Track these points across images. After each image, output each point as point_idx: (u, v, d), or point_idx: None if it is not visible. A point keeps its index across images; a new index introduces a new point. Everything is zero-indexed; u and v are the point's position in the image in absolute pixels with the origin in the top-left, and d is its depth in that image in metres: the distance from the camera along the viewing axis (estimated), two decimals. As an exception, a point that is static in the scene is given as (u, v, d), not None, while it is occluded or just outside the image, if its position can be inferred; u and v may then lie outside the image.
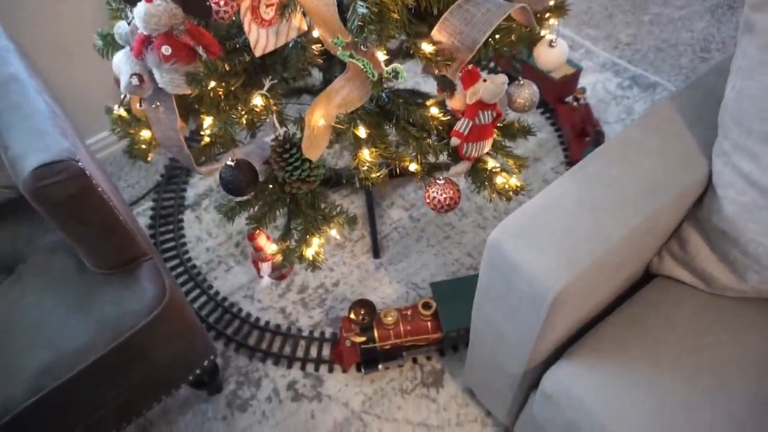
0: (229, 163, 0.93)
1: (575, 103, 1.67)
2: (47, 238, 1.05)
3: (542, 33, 1.03)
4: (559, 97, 1.70)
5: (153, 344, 0.96)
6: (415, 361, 1.34)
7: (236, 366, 1.37)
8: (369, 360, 1.28)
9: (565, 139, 1.69)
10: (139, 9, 0.77)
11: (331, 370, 1.34)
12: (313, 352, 1.37)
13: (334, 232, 1.12)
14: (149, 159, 1.17)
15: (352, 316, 1.22)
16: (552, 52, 1.02)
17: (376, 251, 1.53)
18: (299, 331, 1.41)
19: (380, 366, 1.29)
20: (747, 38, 0.72)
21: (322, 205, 1.08)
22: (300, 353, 1.37)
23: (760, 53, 0.70)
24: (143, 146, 1.14)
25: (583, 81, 1.86)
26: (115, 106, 1.18)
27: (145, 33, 0.80)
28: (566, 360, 0.82)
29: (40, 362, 0.88)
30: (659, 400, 0.75)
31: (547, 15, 1.01)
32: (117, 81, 1.11)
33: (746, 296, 0.83)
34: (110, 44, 1.07)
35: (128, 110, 1.19)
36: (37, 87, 0.99)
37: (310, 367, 1.35)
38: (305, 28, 0.91)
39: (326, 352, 1.37)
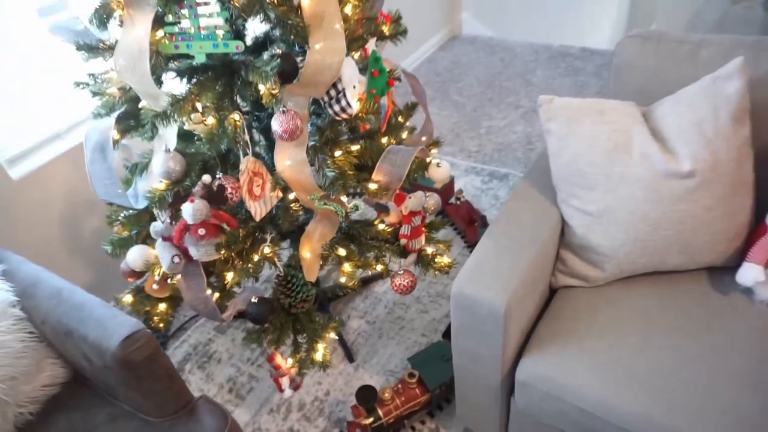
0: (253, 300, 1.26)
1: (458, 202, 2.22)
2: (101, 414, 1.25)
3: (428, 159, 1.54)
4: (445, 200, 2.24)
5: (225, 462, 1.18)
6: (413, 429, 1.63)
7: (267, 490, 1.55)
8: (380, 436, 1.55)
9: (460, 229, 2.21)
10: (188, 207, 1.13)
11: (349, 462, 1.58)
12: (330, 453, 1.60)
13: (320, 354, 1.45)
14: (162, 328, 1.44)
15: (358, 402, 1.51)
16: (440, 169, 1.53)
17: (350, 357, 1.84)
18: (311, 441, 1.64)
19: (390, 440, 1.56)
20: (548, 136, 1.26)
21: (317, 318, 1.41)
22: (319, 458, 1.59)
23: (559, 143, 1.24)
24: (158, 318, 1.41)
25: (457, 185, 2.45)
26: (125, 295, 1.46)
27: (189, 222, 1.15)
28: (526, 357, 1.21)
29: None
30: (595, 354, 1.16)
31: (430, 148, 1.53)
32: (125, 272, 1.42)
33: (608, 280, 1.30)
34: (119, 246, 1.39)
35: (136, 293, 1.47)
36: (78, 289, 1.26)
37: (331, 467, 1.58)
38: (280, 195, 1.32)
39: (340, 449, 1.61)
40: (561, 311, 1.28)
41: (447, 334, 1.81)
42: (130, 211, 1.45)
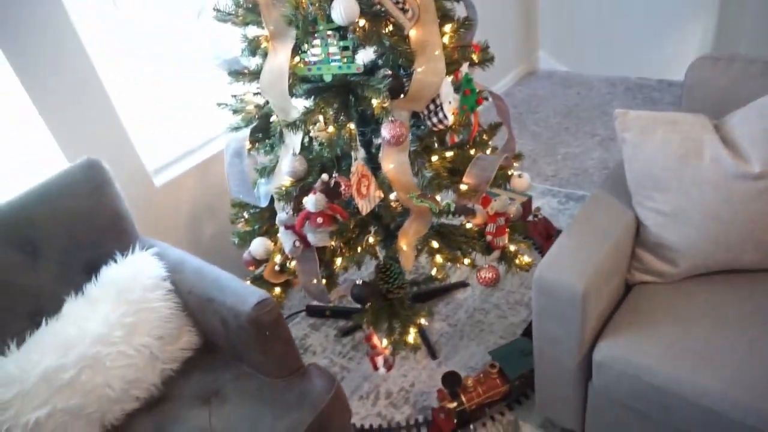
0: (357, 283, 1.47)
1: (535, 219, 2.36)
2: (228, 374, 1.48)
3: (510, 172, 1.72)
4: (524, 218, 2.39)
5: (331, 418, 1.37)
6: (492, 419, 1.75)
7: (358, 465, 1.71)
8: (462, 422, 1.69)
9: (538, 244, 2.34)
10: (311, 198, 1.37)
11: (433, 445, 1.72)
12: (415, 436, 1.75)
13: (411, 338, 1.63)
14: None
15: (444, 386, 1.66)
16: (521, 180, 1.71)
17: (433, 354, 2.00)
18: (398, 425, 1.80)
19: (472, 426, 1.70)
20: (623, 144, 1.41)
21: (407, 307, 1.60)
22: (405, 440, 1.75)
23: (633, 150, 1.39)
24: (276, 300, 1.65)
25: (534, 204, 2.59)
26: (246, 281, 1.72)
27: (311, 211, 1.39)
28: (602, 341, 1.33)
29: (267, 442, 1.27)
30: (669, 338, 1.26)
31: (513, 160, 1.71)
32: (247, 262, 1.68)
33: (683, 276, 1.41)
34: (244, 239, 1.65)
35: (254, 280, 1.72)
36: (216, 267, 1.52)
37: (416, 448, 1.72)
38: (382, 195, 1.54)
39: (425, 433, 1.76)
40: (636, 303, 1.40)
41: (527, 333, 1.93)
42: (254, 210, 1.72)
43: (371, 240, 1.45)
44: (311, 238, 1.43)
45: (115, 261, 1.52)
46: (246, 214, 1.74)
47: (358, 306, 2.23)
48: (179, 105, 2.09)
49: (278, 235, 1.52)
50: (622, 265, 1.43)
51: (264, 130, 1.61)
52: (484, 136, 1.75)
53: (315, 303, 2.27)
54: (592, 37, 3.63)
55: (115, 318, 1.42)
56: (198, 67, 1.99)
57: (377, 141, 1.54)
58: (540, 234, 2.31)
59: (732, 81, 1.49)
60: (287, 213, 1.47)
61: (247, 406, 1.37)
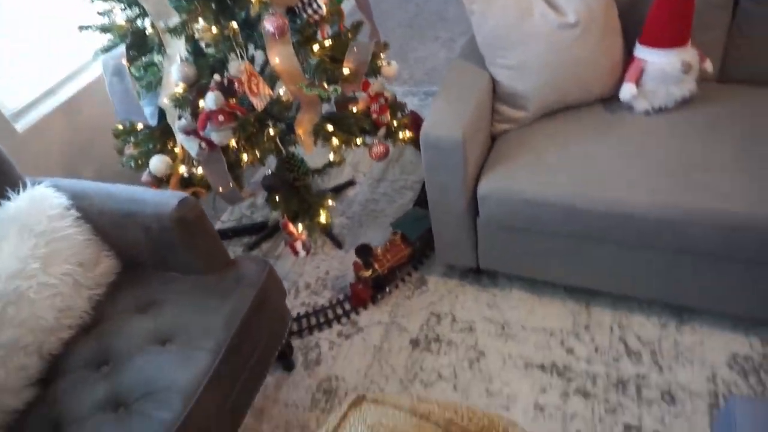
0: (267, 174, 1.58)
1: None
2: (157, 282, 1.53)
3: (379, 62, 1.91)
4: (392, 115, 2.61)
5: (269, 295, 1.51)
6: (403, 280, 2.02)
7: (295, 346, 1.89)
8: (378, 286, 1.93)
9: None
10: (210, 95, 1.43)
11: (357, 313, 1.95)
12: (340, 311, 1.96)
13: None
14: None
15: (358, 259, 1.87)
16: (390, 67, 1.90)
17: (339, 245, 2.20)
18: (323, 306, 1.99)
19: (387, 288, 1.94)
20: (472, 16, 1.66)
21: (314, 192, 1.76)
22: (331, 316, 1.95)
23: (481, 19, 1.64)
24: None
25: (398, 105, 2.83)
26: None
27: (211, 108, 1.45)
28: (482, 180, 1.62)
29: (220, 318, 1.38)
30: (530, 163, 1.57)
31: (381, 49, 1.90)
32: (148, 182, 1.71)
33: (532, 119, 1.73)
34: (139, 159, 1.66)
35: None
36: (124, 185, 1.54)
37: (344, 320, 1.93)
38: (272, 93, 1.64)
39: (347, 307, 1.97)
40: (501, 148, 1.70)
41: (417, 202, 2.20)
42: (143, 131, 1.72)
43: (272, 132, 1.56)
44: (215, 137, 1.51)
45: (8, 199, 1.47)
46: (133, 138, 1.74)
47: (260, 221, 2.33)
48: (31, 37, 1.94)
49: (179, 143, 1.56)
50: (486, 118, 1.72)
51: (139, 47, 1.60)
52: (349, 35, 1.90)
53: (218, 227, 2.32)
54: (419, -51, 3.86)
55: (26, 252, 1.40)
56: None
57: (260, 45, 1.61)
58: (412, 125, 2.55)
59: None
60: (185, 119, 1.52)
61: (187, 302, 1.45)
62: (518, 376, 1.68)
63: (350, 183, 2.45)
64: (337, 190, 2.41)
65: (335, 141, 1.67)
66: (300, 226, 1.74)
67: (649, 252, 1.53)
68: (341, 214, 2.33)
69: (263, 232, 2.27)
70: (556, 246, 1.64)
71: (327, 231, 1.78)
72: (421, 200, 2.16)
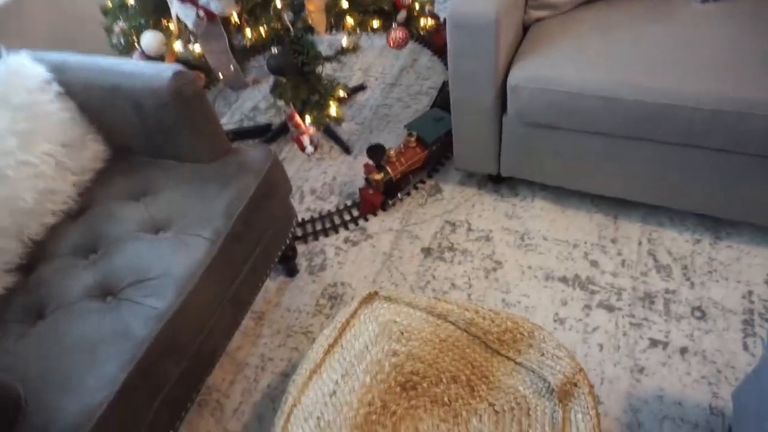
0: (273, 52, 1.41)
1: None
2: (155, 170, 1.39)
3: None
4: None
5: (274, 185, 1.37)
6: (416, 188, 1.88)
7: (299, 252, 1.77)
8: (389, 192, 1.79)
9: (427, 38, 2.39)
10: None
11: (366, 220, 1.82)
12: (347, 217, 1.83)
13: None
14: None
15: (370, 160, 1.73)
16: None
17: (347, 150, 2.04)
18: (329, 212, 1.86)
19: (399, 195, 1.81)
20: None
21: (324, 81, 1.58)
22: (338, 222, 1.82)
23: None
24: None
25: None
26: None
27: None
28: (514, 68, 1.44)
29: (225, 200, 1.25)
30: (570, 50, 1.40)
31: None
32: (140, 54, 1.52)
33: (571, 6, 1.54)
34: (129, 36, 1.48)
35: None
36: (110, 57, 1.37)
37: (351, 227, 1.81)
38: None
39: (355, 213, 1.84)
40: (536, 35, 1.51)
41: (435, 104, 2.03)
42: (133, 6, 1.53)
43: (278, 4, 1.37)
44: (214, 5, 1.32)
45: (-19, 67, 1.30)
46: (123, 15, 1.55)
47: (263, 123, 2.17)
48: None
49: (174, 15, 1.38)
50: (520, 4, 1.52)
51: None
52: None
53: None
54: None
55: (3, 126, 1.25)
56: None
57: None
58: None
59: None
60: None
61: (184, 190, 1.32)
62: (538, 288, 1.57)
63: (361, 87, 2.26)
64: (347, 95, 2.22)
65: (349, 21, 1.48)
66: (308, 118, 1.58)
67: (693, 153, 1.38)
68: (351, 119, 2.16)
69: (267, 134, 2.11)
70: (588, 147, 1.49)
71: (339, 123, 1.61)
72: (440, 102, 1.99)
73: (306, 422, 1.02)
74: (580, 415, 1.02)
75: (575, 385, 1.06)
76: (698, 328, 1.43)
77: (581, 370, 1.07)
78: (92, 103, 1.35)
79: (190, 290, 1.12)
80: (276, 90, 1.52)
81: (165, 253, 1.18)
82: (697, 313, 1.46)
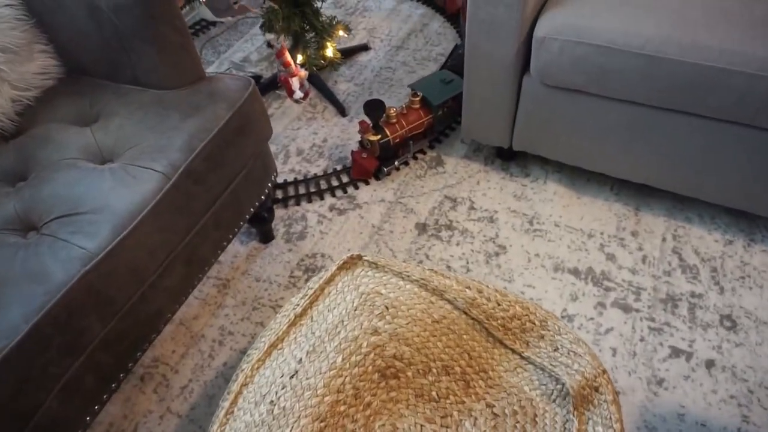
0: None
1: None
2: (108, 94, 1.17)
3: None
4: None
5: (250, 121, 1.15)
6: (415, 157, 1.67)
7: (277, 217, 1.55)
8: (385, 159, 1.58)
9: (440, 3, 2.18)
10: None
11: (356, 187, 1.60)
12: (335, 183, 1.62)
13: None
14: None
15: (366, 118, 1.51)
16: None
17: (342, 111, 1.82)
18: (315, 175, 1.64)
19: (396, 162, 1.60)
20: None
21: (322, 18, 1.37)
22: (324, 187, 1.61)
23: None
24: None
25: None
26: None
27: None
28: (542, 17, 1.24)
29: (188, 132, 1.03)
30: (609, 2, 1.20)
31: None
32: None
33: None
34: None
35: None
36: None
37: (338, 194, 1.59)
38: None
39: (345, 179, 1.62)
40: (572, -15, 1.30)
41: (445, 66, 1.82)
42: None
43: None
44: None
45: None
46: None
47: (252, 74, 1.94)
48: None
49: None
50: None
51: None
52: None
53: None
54: None
55: (-74, 16, 1.02)
56: None
57: None
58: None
59: None
60: None
61: (141, 117, 1.10)
62: (545, 279, 1.37)
63: (364, 47, 2.04)
64: (347, 54, 2.01)
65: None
66: (300, 57, 1.36)
67: (740, 133, 1.18)
68: (349, 80, 1.94)
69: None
70: (616, 120, 1.29)
71: (333, 66, 1.39)
72: (450, 66, 1.78)
73: (257, 407, 0.81)
74: (600, 428, 0.82)
75: (596, 389, 0.85)
76: (727, 340, 1.24)
77: (605, 372, 0.87)
78: (41, 3, 1.12)
79: (129, 231, 0.90)
80: (265, 20, 1.30)
81: (105, 185, 0.96)
82: (727, 323, 1.26)
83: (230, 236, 1.23)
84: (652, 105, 1.22)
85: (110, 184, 0.96)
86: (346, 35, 1.51)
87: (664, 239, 1.43)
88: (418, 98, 1.56)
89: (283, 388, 0.81)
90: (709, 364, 1.20)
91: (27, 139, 1.09)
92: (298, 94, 1.38)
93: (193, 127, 1.05)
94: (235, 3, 1.26)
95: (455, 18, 2.13)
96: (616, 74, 1.18)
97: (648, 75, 1.15)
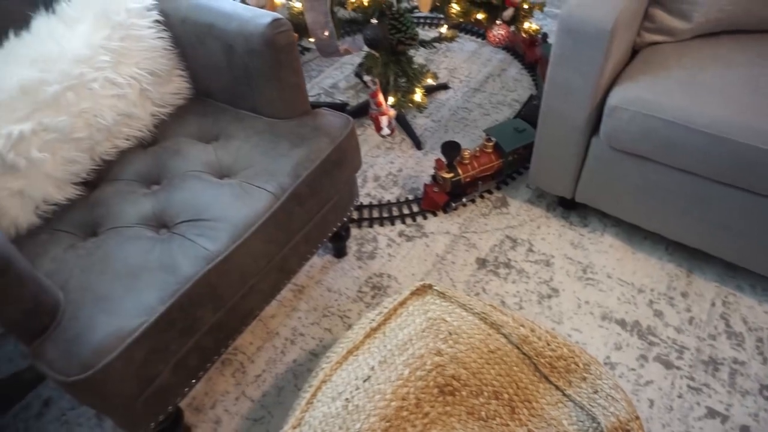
0: (372, 22, 1.37)
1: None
2: (228, 116, 1.37)
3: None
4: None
5: (346, 155, 1.32)
6: (482, 196, 1.80)
7: (351, 236, 1.72)
8: (455, 194, 1.72)
9: (520, 51, 2.31)
10: None
11: (425, 217, 1.75)
12: (406, 211, 1.77)
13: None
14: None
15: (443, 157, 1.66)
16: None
17: (418, 145, 1.99)
18: (389, 202, 1.81)
19: (464, 199, 1.74)
20: None
21: (414, 66, 1.53)
22: (396, 214, 1.77)
23: None
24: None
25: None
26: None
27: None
28: (617, 87, 1.35)
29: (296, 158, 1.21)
30: (681, 80, 1.30)
31: None
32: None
33: (693, 34, 1.44)
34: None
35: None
36: None
37: (408, 221, 1.75)
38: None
39: (415, 209, 1.78)
40: (649, 57, 1.42)
41: (519, 115, 1.96)
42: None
43: (390, -23, 1.34)
44: (326, -36, 1.30)
45: (92, -18, 1.31)
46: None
47: (339, 102, 2.14)
48: None
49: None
50: (638, 19, 1.43)
51: None
52: None
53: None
54: None
55: (99, 41, 1.25)
56: None
57: None
58: (523, 41, 2.27)
59: None
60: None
61: (255, 141, 1.29)
62: (592, 325, 1.47)
63: (443, 86, 2.21)
64: (429, 91, 2.17)
65: (455, 7, 1.42)
66: (391, 99, 1.54)
67: (800, 219, 1.25)
68: (428, 116, 2.11)
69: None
70: (676, 188, 1.38)
71: (420, 110, 1.56)
72: (524, 115, 1.91)
73: (333, 401, 0.96)
74: (628, 466, 0.92)
75: (628, 432, 0.96)
76: (765, 409, 1.30)
77: (638, 418, 0.97)
78: (186, 38, 1.34)
79: (243, 240, 1.09)
80: (365, 63, 1.48)
81: (226, 198, 1.15)
82: (766, 393, 1.32)
83: (314, 250, 1.40)
84: (711, 178, 1.31)
85: (229, 198, 1.15)
86: (434, 82, 1.67)
87: (713, 304, 1.50)
88: (491, 143, 1.70)
89: (357, 389, 0.96)
90: (744, 429, 1.27)
91: (160, 150, 1.31)
92: (386, 131, 1.54)
93: (299, 156, 1.23)
94: (341, 47, 1.44)
95: (533, 67, 2.26)
96: (679, 147, 1.29)
97: (709, 152, 1.25)
